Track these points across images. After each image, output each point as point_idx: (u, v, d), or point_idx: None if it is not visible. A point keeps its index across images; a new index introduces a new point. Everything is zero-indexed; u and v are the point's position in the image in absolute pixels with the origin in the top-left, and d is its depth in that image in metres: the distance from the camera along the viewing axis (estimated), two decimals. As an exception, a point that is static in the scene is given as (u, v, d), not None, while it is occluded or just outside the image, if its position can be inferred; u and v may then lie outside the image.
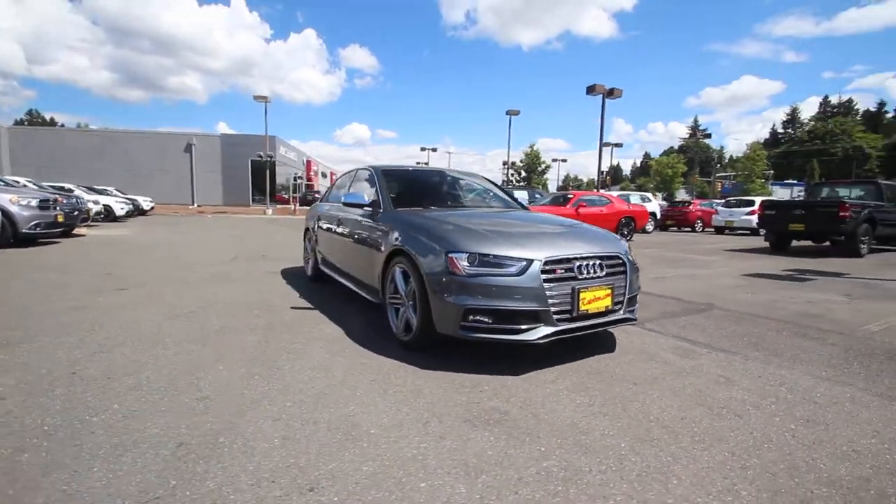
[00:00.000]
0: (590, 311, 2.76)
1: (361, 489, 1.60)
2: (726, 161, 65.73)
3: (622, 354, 3.07)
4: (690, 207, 19.93)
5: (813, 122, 72.08)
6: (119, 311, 3.99)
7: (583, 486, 1.63)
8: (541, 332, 2.61)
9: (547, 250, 2.74)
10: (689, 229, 19.84)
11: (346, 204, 3.96)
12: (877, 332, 3.71)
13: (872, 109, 77.16)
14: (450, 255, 2.71)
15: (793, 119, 78.34)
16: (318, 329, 3.55)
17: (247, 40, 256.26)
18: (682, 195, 48.21)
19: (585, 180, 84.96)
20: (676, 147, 79.16)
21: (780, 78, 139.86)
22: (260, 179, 33.46)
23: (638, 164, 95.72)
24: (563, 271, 2.71)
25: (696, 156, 54.59)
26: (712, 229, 18.85)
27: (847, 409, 2.29)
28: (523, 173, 38.63)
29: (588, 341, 3.25)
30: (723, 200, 20.67)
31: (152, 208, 23.50)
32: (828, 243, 10.05)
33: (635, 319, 3.10)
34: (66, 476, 1.63)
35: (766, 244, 11.27)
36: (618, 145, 33.01)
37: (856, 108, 75.68)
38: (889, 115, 75.61)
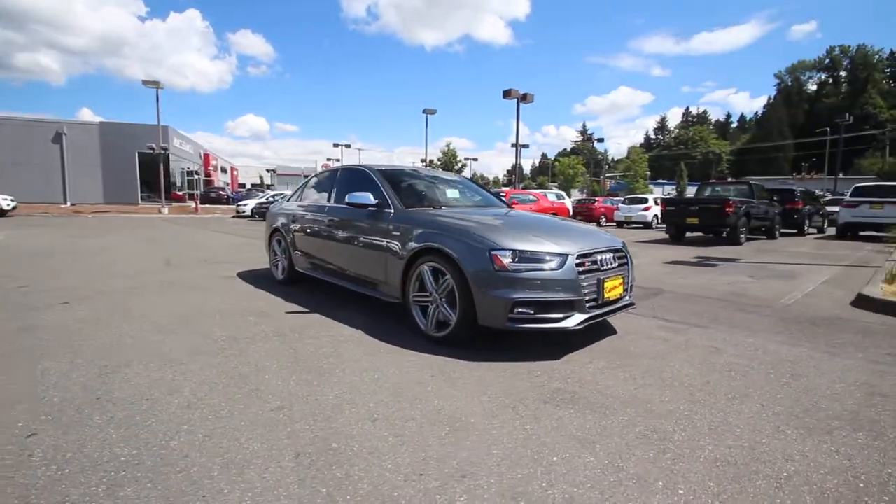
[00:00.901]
0: (609, 299, 3.14)
1: (506, 469, 1.73)
2: (611, 163, 73.40)
3: (625, 335, 3.51)
4: (596, 204, 22.07)
5: (678, 130, 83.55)
6: (86, 327, 3.50)
7: (678, 443, 1.94)
8: (576, 319, 2.91)
9: (576, 245, 3.05)
10: (594, 224, 21.99)
11: (350, 204, 3.89)
12: (791, 305, 4.65)
13: (721, 120, 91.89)
14: (493, 252, 2.89)
15: (662, 126, 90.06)
16: (334, 331, 3.48)
17: (116, 17, 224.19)
18: (576, 194, 52.97)
19: (492, 178, 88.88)
20: (569, 149, 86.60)
21: (649, 90, 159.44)
22: (150, 174, 29.73)
23: (537, 164, 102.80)
24: (590, 264, 3.04)
25: (587, 157, 60.34)
26: (614, 223, 21.12)
27: (811, 364, 2.93)
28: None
29: (594, 326, 3.64)
30: (621, 198, 23.22)
31: (14, 208, 19.75)
32: (712, 235, 11.96)
33: (634, 304, 3.56)
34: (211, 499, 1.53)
35: (666, 236, 13.03)
36: (525, 146, 35.26)
37: (709, 118, 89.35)
38: (734, 125, 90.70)
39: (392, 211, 3.72)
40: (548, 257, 2.90)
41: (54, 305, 4.17)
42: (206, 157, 43.80)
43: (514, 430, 2.03)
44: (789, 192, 14.54)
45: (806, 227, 14.68)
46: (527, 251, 2.91)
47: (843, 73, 72.61)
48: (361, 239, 3.93)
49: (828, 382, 2.62)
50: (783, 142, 69.40)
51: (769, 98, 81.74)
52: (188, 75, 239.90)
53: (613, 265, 3.22)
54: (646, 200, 19.89)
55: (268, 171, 48.91)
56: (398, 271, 3.47)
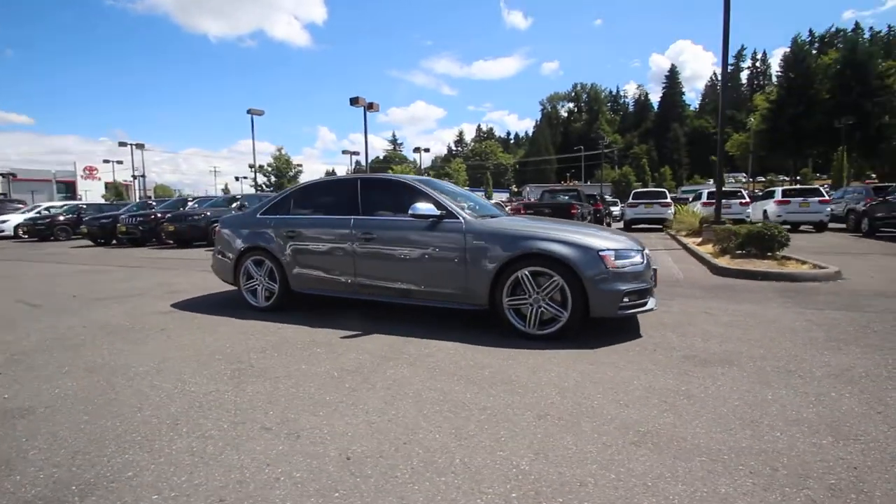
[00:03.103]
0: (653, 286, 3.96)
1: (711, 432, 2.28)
2: (425, 172, 79.24)
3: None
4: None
5: (474, 143, 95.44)
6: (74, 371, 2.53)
7: (796, 385, 2.80)
8: (651, 303, 3.63)
9: (638, 243, 3.76)
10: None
11: (414, 216, 3.74)
12: (682, 279, 6.39)
13: (503, 136, 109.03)
14: (601, 253, 3.37)
15: (461, 139, 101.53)
16: (414, 352, 3.37)
17: None
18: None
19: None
20: (381, 157, 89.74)
21: (442, 106, 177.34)
22: None
23: (352, 171, 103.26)
24: (647, 258, 3.80)
25: (414, 167, 63.99)
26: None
27: (789, 318, 4.21)
28: (273, 178, 35.59)
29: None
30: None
31: None
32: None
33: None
34: None
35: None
36: (355, 153, 35.30)
37: (496, 134, 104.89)
38: (512, 141, 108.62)
39: (462, 221, 3.78)
40: (633, 253, 3.53)
41: (-17, 381, 2.77)
42: None
43: (695, 407, 2.58)
44: (592, 196, 18.74)
45: (604, 223, 19.14)
46: (621, 249, 3.48)
47: (583, 104, 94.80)
48: (425, 251, 3.83)
49: (817, 329, 3.95)
50: (549, 157, 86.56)
51: (536, 121, 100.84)
52: None
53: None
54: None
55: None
56: (486, 279, 3.59)
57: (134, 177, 36.24)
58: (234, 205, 13.36)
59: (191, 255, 11.08)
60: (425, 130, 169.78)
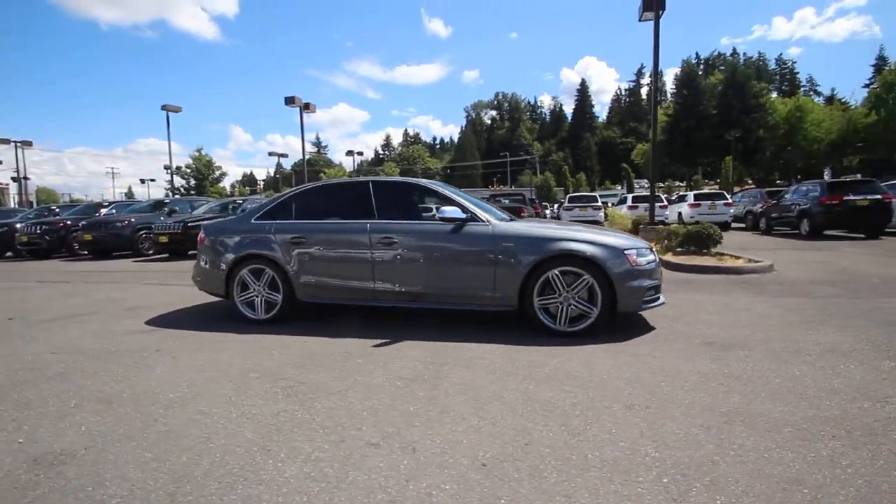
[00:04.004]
0: (657, 281, 4.32)
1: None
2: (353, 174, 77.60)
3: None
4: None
5: (401, 148, 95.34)
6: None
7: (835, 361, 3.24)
8: (662, 297, 3.96)
9: (645, 242, 4.08)
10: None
11: (442, 219, 3.70)
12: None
13: (429, 142, 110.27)
14: (626, 252, 3.61)
15: (388, 143, 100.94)
16: (460, 356, 3.37)
17: None
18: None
19: (229, 189, 78.94)
20: (307, 160, 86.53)
21: (366, 109, 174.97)
22: None
23: (272, 174, 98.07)
24: (657, 255, 4.13)
25: (331, 169, 62.22)
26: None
27: (761, 306, 4.83)
28: (192, 181, 32.18)
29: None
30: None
31: None
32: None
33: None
34: None
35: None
36: (283, 155, 33.59)
37: (422, 139, 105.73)
38: (438, 146, 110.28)
39: (489, 224, 3.82)
40: (648, 252, 3.83)
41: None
42: None
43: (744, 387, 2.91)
44: (533, 199, 19.69)
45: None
46: (640, 248, 3.75)
47: (505, 113, 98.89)
48: (451, 254, 3.82)
49: (804, 311, 4.53)
50: (475, 162, 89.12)
51: (461, 127, 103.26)
52: None
53: (651, 255, 4.42)
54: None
55: None
56: (516, 280, 3.67)
57: (15, 179, 30.93)
58: (164, 210, 12.09)
59: (116, 266, 9.87)
60: (349, 133, 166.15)
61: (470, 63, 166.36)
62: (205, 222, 4.97)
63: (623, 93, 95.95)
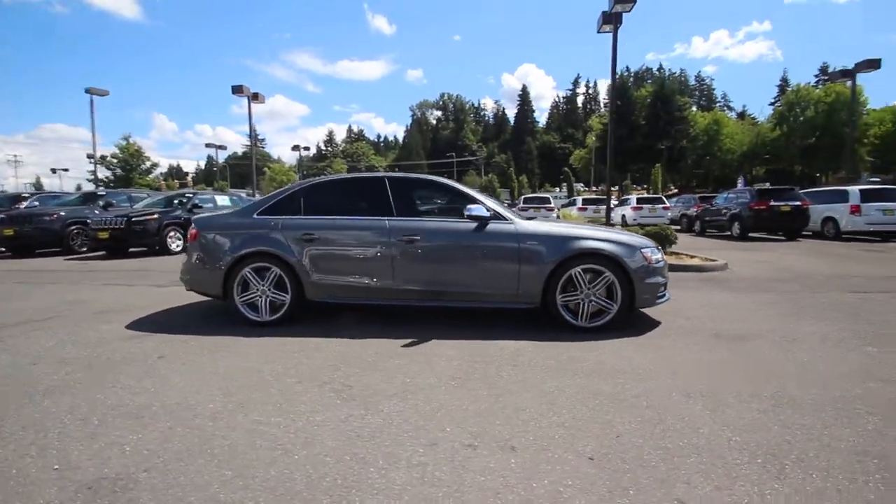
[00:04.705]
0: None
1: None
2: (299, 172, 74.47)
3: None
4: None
5: (345, 144, 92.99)
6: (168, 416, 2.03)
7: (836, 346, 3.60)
8: (668, 293, 4.21)
9: (652, 241, 4.32)
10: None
11: (469, 217, 3.67)
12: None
13: (373, 140, 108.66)
14: (642, 250, 3.80)
15: (330, 140, 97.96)
16: (501, 353, 3.38)
17: None
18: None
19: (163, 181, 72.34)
20: (241, 153, 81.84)
21: (305, 103, 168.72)
22: None
23: (202, 167, 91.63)
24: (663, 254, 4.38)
25: (276, 164, 59.31)
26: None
27: (739, 301, 5.26)
28: (119, 171, 28.73)
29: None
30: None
31: None
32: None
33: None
34: None
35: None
36: (222, 147, 31.45)
37: (366, 136, 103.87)
38: (382, 144, 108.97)
39: (514, 223, 3.85)
40: (657, 250, 4.06)
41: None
42: None
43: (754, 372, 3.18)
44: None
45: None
46: (651, 246, 3.97)
47: (450, 113, 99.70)
48: (476, 253, 3.81)
49: (787, 301, 4.97)
50: (420, 161, 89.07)
51: (407, 126, 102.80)
52: None
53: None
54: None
55: None
56: (540, 278, 3.73)
57: None
58: (99, 203, 10.88)
59: (49, 265, 8.77)
60: (287, 127, 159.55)
61: (414, 62, 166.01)
62: (196, 217, 4.53)
63: (560, 100, 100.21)
